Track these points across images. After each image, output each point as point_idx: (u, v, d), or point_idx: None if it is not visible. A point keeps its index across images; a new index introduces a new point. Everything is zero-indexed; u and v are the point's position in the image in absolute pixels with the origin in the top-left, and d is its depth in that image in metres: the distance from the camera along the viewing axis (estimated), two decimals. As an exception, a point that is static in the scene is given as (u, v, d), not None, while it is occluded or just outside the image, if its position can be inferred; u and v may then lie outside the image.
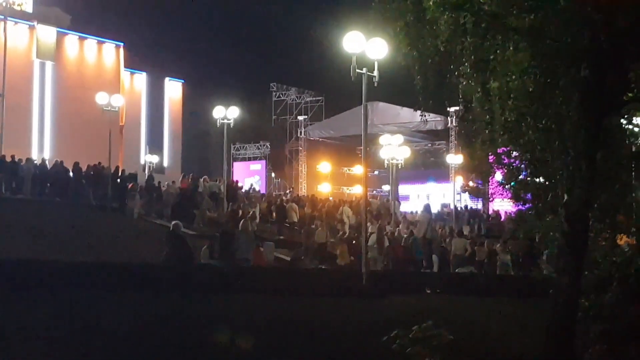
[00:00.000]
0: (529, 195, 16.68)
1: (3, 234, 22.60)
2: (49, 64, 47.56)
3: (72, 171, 34.44)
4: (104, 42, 51.13)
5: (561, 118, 14.00)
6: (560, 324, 13.65)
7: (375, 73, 21.26)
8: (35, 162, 35.95)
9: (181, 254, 20.38)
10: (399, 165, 40.34)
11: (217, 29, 77.78)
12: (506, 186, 17.00)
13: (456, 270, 27.82)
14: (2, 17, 40.66)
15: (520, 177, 16.40)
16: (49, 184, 34.24)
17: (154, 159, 52.24)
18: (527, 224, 21.25)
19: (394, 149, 38.90)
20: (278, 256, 26.87)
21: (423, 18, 14.02)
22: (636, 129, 16.27)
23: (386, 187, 56.33)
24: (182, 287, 17.88)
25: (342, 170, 62.79)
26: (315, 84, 60.52)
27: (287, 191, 50.79)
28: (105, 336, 13.91)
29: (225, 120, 34.47)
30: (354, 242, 28.67)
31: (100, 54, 50.85)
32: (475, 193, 39.69)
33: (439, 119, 48.22)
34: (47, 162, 36.68)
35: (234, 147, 60.86)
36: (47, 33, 47.36)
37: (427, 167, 59.18)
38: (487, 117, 14.74)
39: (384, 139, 39.76)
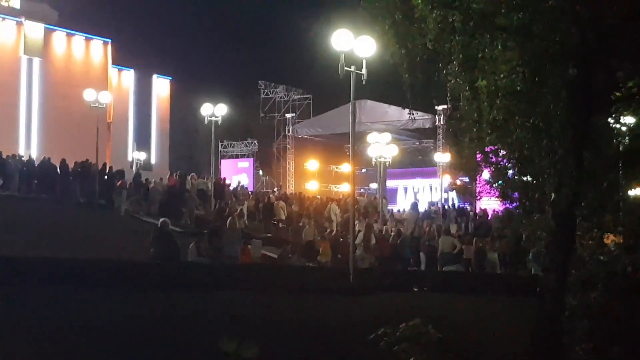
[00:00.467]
0: (516, 193, 16.68)
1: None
2: (36, 61, 47.28)
3: (60, 168, 34.26)
4: (91, 38, 50.95)
5: (549, 117, 14.04)
6: (548, 322, 13.71)
7: (364, 71, 21.25)
8: (22, 158, 35.78)
9: (168, 251, 20.39)
10: (387, 164, 40.39)
11: (205, 26, 77.44)
12: (494, 185, 16.99)
13: (443, 269, 27.83)
14: (-10, 13, 40.53)
15: (508, 175, 16.42)
16: (36, 181, 34.05)
17: (142, 156, 52.00)
18: (514, 222, 21.27)
19: (381, 147, 38.88)
20: (265, 254, 26.81)
21: (411, 16, 14.02)
22: (623, 128, 16.30)
23: (374, 185, 56.43)
24: (169, 284, 17.88)
25: (330, 168, 62.82)
26: (303, 81, 60.48)
27: (275, 189, 50.73)
28: (90, 333, 13.86)
29: (213, 118, 34.43)
30: (341, 239, 28.69)
31: (88, 51, 50.65)
32: (462, 192, 39.77)
33: (426, 117, 48.33)
34: (34, 159, 36.53)
35: (222, 145, 60.76)
36: (34, 29, 47.06)
37: (414, 165, 59.21)
38: (475, 115, 14.74)
39: (371, 137, 39.74)
